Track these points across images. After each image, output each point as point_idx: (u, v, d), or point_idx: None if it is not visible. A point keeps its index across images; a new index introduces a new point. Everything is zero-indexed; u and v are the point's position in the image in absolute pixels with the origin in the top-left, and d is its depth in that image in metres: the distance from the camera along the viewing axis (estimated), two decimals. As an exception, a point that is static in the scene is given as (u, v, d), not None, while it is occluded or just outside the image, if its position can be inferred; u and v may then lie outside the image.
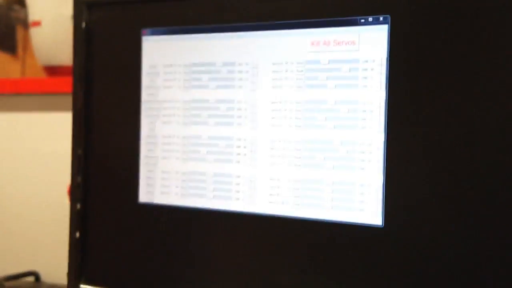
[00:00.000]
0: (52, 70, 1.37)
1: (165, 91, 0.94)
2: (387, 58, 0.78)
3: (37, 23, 1.36)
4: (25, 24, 1.47)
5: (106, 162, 1.01)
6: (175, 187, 0.94)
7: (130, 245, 0.99)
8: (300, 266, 0.85)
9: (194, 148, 0.92)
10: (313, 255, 0.85)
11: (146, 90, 0.95)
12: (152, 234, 0.97)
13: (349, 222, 0.82)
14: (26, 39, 1.55)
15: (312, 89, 0.83)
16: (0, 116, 1.48)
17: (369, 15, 0.79)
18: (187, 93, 0.92)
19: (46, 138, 1.42)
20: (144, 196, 0.96)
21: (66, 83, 1.31)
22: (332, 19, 0.82)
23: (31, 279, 1.34)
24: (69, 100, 1.33)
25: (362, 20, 0.79)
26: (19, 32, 1.57)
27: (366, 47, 0.79)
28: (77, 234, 1.02)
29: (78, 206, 1.02)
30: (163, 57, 0.94)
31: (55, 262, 1.36)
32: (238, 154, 0.88)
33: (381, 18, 0.78)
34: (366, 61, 0.79)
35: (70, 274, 1.04)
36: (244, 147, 0.87)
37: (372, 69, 0.79)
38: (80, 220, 1.02)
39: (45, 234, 1.40)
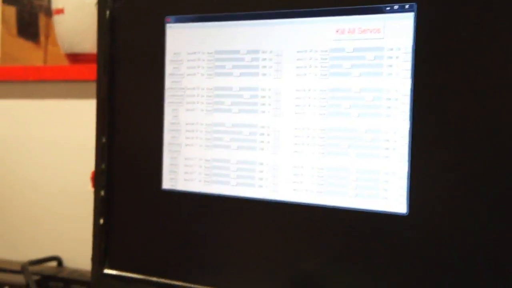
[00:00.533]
0: (75, 58, 1.38)
1: (189, 78, 0.94)
2: (412, 46, 0.77)
3: (60, 11, 1.37)
4: (48, 12, 1.47)
5: (129, 149, 1.01)
6: (198, 174, 0.94)
7: (153, 231, 0.99)
8: (323, 253, 0.86)
9: (217, 135, 0.92)
10: (336, 242, 0.85)
11: (169, 77, 0.96)
12: (175, 220, 0.97)
13: (373, 210, 0.82)
14: (49, 27, 1.56)
15: (337, 77, 0.82)
16: (24, 102, 1.48)
17: (395, 3, 0.78)
18: (211, 81, 0.92)
19: (69, 124, 1.42)
20: (167, 182, 0.97)
21: (89, 70, 1.32)
22: (357, 7, 0.81)
23: (53, 264, 1.35)
24: (91, 87, 1.33)
25: (388, 8, 0.79)
26: (42, 20, 1.57)
27: (391, 35, 0.79)
28: (101, 221, 1.02)
29: (102, 193, 1.02)
30: (187, 45, 0.94)
31: (77, 247, 1.37)
32: (262, 141, 0.88)
33: (407, 6, 0.77)
34: (391, 49, 0.78)
35: (94, 259, 1.04)
36: (268, 134, 0.87)
37: (397, 57, 0.78)
38: (104, 206, 1.03)
39: (68, 220, 1.41)
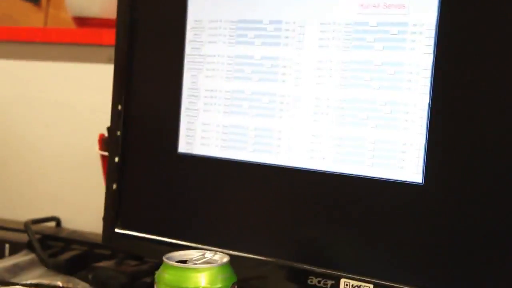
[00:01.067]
0: (83, 22, 1.38)
1: (210, 45, 0.95)
2: (436, 22, 0.79)
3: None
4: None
5: (146, 114, 1.03)
6: (215, 139, 0.96)
7: (167, 194, 1.01)
8: (338, 221, 0.88)
9: (236, 102, 0.94)
10: (351, 210, 0.87)
11: (190, 44, 0.97)
12: (189, 183, 0.99)
13: (389, 179, 0.83)
14: None
15: (359, 50, 0.84)
16: (29, 64, 1.48)
17: (421, -21, 0.80)
18: (232, 49, 0.93)
19: (74, 88, 1.43)
20: (184, 146, 0.98)
21: (96, 34, 1.33)
22: (383, -18, 0.83)
23: (52, 224, 1.36)
24: (97, 51, 1.35)
25: (413, -16, 0.80)
26: None
27: (415, 10, 0.80)
28: (114, 186, 1.04)
29: (117, 159, 1.03)
30: (209, 13, 0.95)
31: (76, 209, 1.40)
32: (281, 110, 0.89)
33: (432, -17, 0.79)
34: (415, 25, 0.80)
35: (106, 219, 1.05)
36: (287, 103, 0.89)
37: (420, 33, 0.80)
38: (118, 171, 1.04)
39: (69, 182, 1.43)
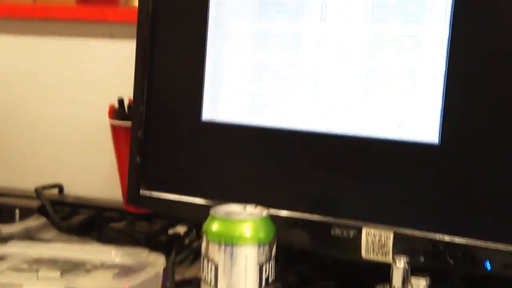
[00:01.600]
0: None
1: (234, 17, 1.00)
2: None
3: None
4: None
5: (170, 85, 1.07)
6: (237, 107, 1.01)
7: (191, 158, 1.05)
8: (359, 178, 0.93)
9: (259, 72, 0.99)
10: (373, 169, 0.92)
11: (213, 19, 1.02)
12: (213, 148, 1.03)
13: (407, 140, 0.89)
14: None
15: (381, 23, 0.91)
16: (32, 40, 1.49)
17: None
18: (255, 22, 0.99)
19: (78, 62, 1.45)
20: (207, 114, 1.02)
21: (99, 11, 1.36)
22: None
23: (55, 191, 1.39)
24: (99, 27, 1.38)
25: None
26: None
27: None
28: (138, 159, 1.07)
29: (139, 133, 1.07)
30: None
31: (79, 176, 1.43)
32: (304, 78, 0.95)
33: None
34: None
35: (130, 182, 1.09)
36: (310, 71, 0.95)
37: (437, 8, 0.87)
38: (142, 144, 1.07)
39: (71, 151, 1.46)
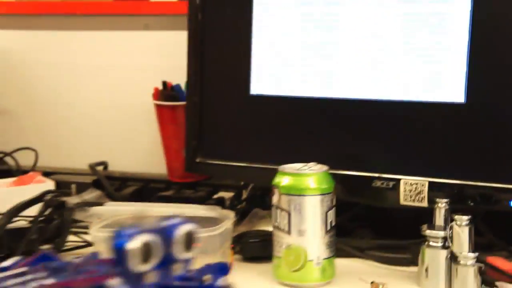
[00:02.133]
0: None
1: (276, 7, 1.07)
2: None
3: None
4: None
5: (220, 65, 1.12)
6: (281, 81, 1.07)
7: (240, 130, 1.11)
8: (395, 137, 1.00)
9: (299, 51, 1.05)
10: (407, 129, 0.99)
11: (258, 5, 1.08)
12: (260, 119, 1.09)
13: (438, 101, 0.96)
14: None
15: (412, 3, 0.98)
16: (78, 34, 1.51)
17: None
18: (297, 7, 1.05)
19: (118, 52, 1.47)
20: (255, 89, 1.08)
21: (134, 5, 1.41)
22: None
23: (100, 168, 1.42)
24: (135, 20, 1.42)
25: None
26: None
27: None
28: (194, 133, 1.13)
29: (195, 111, 1.13)
30: None
31: (120, 155, 1.46)
32: (340, 53, 1.02)
33: None
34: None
35: (187, 151, 1.15)
36: (347, 48, 1.02)
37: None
38: (198, 120, 1.13)
39: (114, 131, 1.48)
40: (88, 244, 1.01)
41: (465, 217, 0.87)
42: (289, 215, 0.88)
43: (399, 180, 0.99)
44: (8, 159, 1.42)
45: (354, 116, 1.03)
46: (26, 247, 0.93)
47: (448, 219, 0.88)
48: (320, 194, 0.88)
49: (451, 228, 0.87)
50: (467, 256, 0.86)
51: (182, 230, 0.42)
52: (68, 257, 0.58)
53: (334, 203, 0.90)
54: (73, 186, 1.31)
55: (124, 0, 1.42)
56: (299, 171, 0.89)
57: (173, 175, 1.30)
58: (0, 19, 1.51)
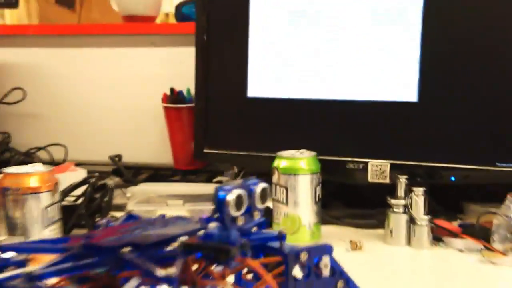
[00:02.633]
0: (129, 18, 1.44)
1: (268, 25, 1.11)
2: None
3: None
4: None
5: (222, 72, 1.14)
6: (276, 84, 1.09)
7: (240, 126, 1.14)
8: (361, 133, 1.04)
9: (289, 55, 1.08)
10: (370, 127, 1.03)
11: (253, 25, 1.12)
12: (255, 118, 1.12)
13: (394, 101, 1.01)
14: None
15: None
16: (94, 51, 1.52)
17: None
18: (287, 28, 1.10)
19: (128, 66, 1.47)
20: (251, 92, 1.12)
21: (142, 26, 1.43)
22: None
23: (116, 159, 1.44)
24: (143, 38, 1.44)
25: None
26: None
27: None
28: (202, 128, 1.16)
29: (201, 110, 1.16)
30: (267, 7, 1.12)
31: (132, 149, 1.47)
32: (324, 53, 1.08)
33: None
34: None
35: (196, 143, 1.18)
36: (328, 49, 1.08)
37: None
38: (204, 118, 1.16)
39: (128, 131, 1.49)
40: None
41: (421, 189, 0.93)
42: (286, 190, 0.94)
43: (367, 162, 1.04)
44: (41, 154, 1.44)
45: (332, 114, 1.07)
46: (76, 220, 0.96)
47: (407, 191, 0.94)
48: (310, 174, 0.95)
49: (410, 197, 0.93)
50: (422, 218, 0.93)
51: (259, 187, 0.49)
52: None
53: (320, 180, 0.96)
54: (96, 174, 1.33)
55: (134, 22, 1.44)
56: (293, 156, 0.96)
57: (178, 163, 1.36)
58: (31, 40, 1.52)
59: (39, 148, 1.43)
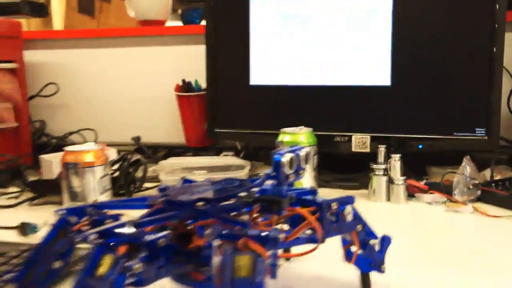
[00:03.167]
0: (145, 22, 1.43)
1: (267, 26, 1.13)
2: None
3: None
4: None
5: (229, 64, 1.14)
6: (276, 73, 1.10)
7: (245, 110, 1.15)
8: (346, 112, 1.06)
9: (283, 49, 1.09)
10: (353, 107, 1.05)
11: (253, 26, 1.13)
12: (258, 103, 1.13)
13: (371, 85, 1.03)
14: (102, 3, 1.60)
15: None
16: (113, 50, 1.49)
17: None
18: (278, 26, 1.11)
19: (144, 62, 1.46)
20: (254, 80, 1.13)
21: (156, 29, 1.41)
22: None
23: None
24: (157, 39, 1.44)
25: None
26: (97, 2, 1.62)
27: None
28: (212, 111, 1.17)
29: (212, 97, 1.16)
30: (267, 17, 1.13)
31: (149, 132, 1.46)
32: (311, 49, 1.10)
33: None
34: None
35: (208, 124, 1.19)
36: (313, 45, 1.11)
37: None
38: (214, 102, 1.16)
39: (145, 116, 1.47)
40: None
41: (398, 155, 0.97)
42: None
43: (351, 136, 1.07)
44: (74, 137, 1.44)
45: (321, 97, 1.09)
46: (117, 189, 0.99)
47: (386, 157, 0.97)
48: (309, 146, 0.96)
49: (389, 162, 0.97)
50: (399, 179, 0.96)
51: (303, 151, 0.53)
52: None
53: (316, 151, 0.99)
54: (122, 153, 1.34)
55: (148, 25, 1.43)
56: (294, 131, 0.98)
57: (190, 142, 1.37)
58: (60, 43, 1.51)
59: (72, 133, 1.43)
